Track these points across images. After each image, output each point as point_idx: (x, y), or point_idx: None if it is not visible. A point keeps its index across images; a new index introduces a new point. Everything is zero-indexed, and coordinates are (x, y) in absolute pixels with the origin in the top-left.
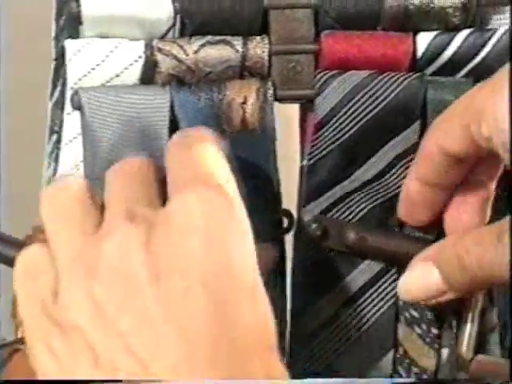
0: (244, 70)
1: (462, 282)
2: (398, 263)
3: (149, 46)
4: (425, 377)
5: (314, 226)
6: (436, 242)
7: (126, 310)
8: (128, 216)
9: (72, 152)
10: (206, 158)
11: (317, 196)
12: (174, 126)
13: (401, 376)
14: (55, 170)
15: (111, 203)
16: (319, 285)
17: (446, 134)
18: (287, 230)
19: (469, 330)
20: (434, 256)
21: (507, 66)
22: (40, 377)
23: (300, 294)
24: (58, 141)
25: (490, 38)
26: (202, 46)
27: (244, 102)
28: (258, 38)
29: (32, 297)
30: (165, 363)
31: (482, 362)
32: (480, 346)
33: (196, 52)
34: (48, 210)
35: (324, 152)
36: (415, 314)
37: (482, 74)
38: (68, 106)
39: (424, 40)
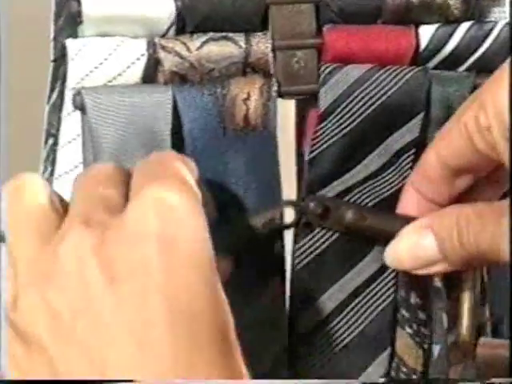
0: (247, 67)
1: (458, 254)
2: (379, 244)
3: (151, 44)
4: (414, 378)
5: (313, 204)
6: None
7: (82, 315)
8: (83, 221)
9: (70, 153)
10: (166, 162)
11: (318, 189)
12: (177, 124)
13: (390, 376)
14: (52, 173)
15: (71, 209)
16: (317, 283)
17: (442, 142)
18: (292, 225)
19: (467, 314)
20: (432, 223)
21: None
22: None
23: (298, 293)
24: (55, 144)
25: (491, 30)
26: (205, 42)
27: (247, 99)
28: (261, 33)
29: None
30: (123, 369)
31: (485, 345)
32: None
33: (199, 49)
34: (9, 212)
35: (326, 145)
36: (406, 314)
37: (484, 67)
38: (67, 107)
39: (426, 33)
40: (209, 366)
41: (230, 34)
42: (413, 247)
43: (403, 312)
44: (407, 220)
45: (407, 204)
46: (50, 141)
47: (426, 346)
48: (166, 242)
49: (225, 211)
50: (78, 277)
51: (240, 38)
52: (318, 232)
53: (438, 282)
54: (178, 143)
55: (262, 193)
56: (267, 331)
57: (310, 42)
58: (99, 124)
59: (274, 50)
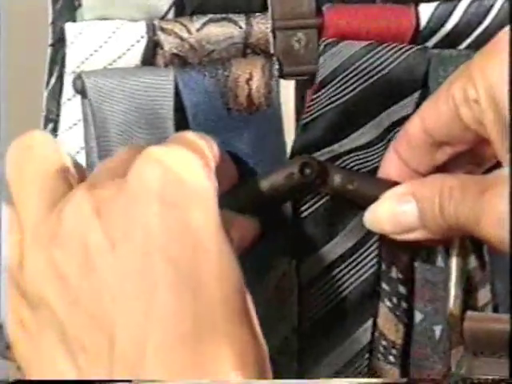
0: (247, 48)
1: (437, 224)
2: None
3: (150, 26)
4: (393, 351)
5: (304, 166)
6: None
7: (87, 278)
8: (88, 186)
9: (72, 139)
10: (179, 134)
11: (306, 154)
12: (179, 106)
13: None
14: None
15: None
16: (305, 247)
17: (429, 111)
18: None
19: (454, 284)
20: (414, 190)
21: (497, 37)
22: (14, 351)
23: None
24: (55, 129)
25: (491, 7)
26: (205, 23)
27: (250, 79)
28: (261, 14)
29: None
30: (131, 336)
31: (473, 319)
32: None
33: (199, 30)
34: (17, 171)
35: (319, 113)
36: (387, 287)
37: (485, 44)
38: (67, 92)
39: (426, 11)
40: (216, 333)
41: (230, 15)
42: (393, 212)
43: (383, 285)
44: (396, 185)
45: (388, 168)
46: (50, 126)
47: (406, 321)
48: (167, 202)
49: None
50: (80, 239)
51: (240, 18)
52: (308, 196)
53: (440, 262)
54: (182, 126)
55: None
56: (276, 311)
57: (310, 22)
58: (101, 107)
59: (274, 30)
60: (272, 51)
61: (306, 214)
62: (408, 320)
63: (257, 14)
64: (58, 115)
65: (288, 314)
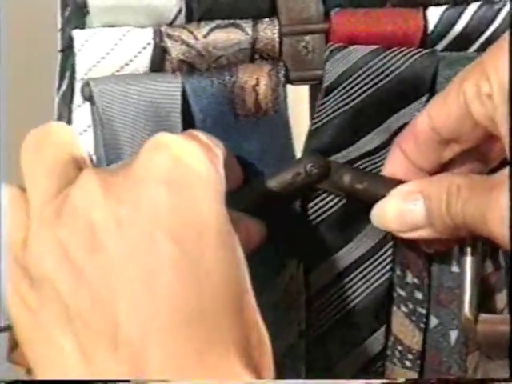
0: (255, 53)
1: (444, 222)
2: None
3: (157, 33)
4: (410, 356)
5: (310, 165)
6: None
7: (91, 257)
8: (96, 170)
9: (83, 145)
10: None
11: None
12: (186, 112)
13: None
14: None
15: None
16: (316, 253)
17: (437, 108)
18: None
19: (469, 288)
20: (422, 188)
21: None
22: (15, 332)
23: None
24: None
25: (500, 11)
26: (212, 29)
27: (257, 85)
28: (268, 20)
29: (7, 241)
30: (135, 318)
31: (486, 322)
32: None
33: (205, 36)
34: (33, 157)
35: (327, 118)
36: (402, 293)
37: None
38: (77, 99)
39: (434, 14)
40: (220, 317)
41: (237, 21)
42: (400, 210)
43: (399, 291)
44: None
45: (393, 166)
46: None
47: (422, 326)
48: (173, 185)
49: None
50: (85, 217)
51: (247, 24)
52: (320, 199)
53: (456, 267)
54: None
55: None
56: (284, 314)
57: (317, 27)
58: (109, 113)
59: (281, 35)
60: (279, 57)
61: (319, 219)
62: (424, 325)
63: (263, 19)
64: (69, 121)
65: (296, 318)
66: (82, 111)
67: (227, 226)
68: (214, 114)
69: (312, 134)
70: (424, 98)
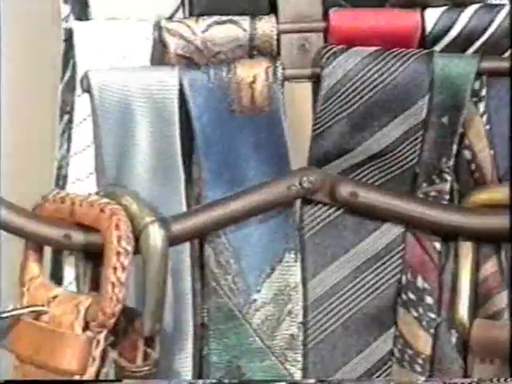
0: (253, 50)
1: None
2: (388, 220)
3: (157, 27)
4: (419, 361)
5: (305, 178)
6: None
7: None
8: None
9: (84, 133)
10: None
11: (322, 165)
12: (183, 106)
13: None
14: (68, 149)
15: None
16: (320, 258)
17: None
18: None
19: (464, 293)
20: None
21: None
22: None
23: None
24: (70, 121)
25: (497, 13)
26: (210, 25)
27: (253, 82)
28: (266, 17)
29: None
30: None
31: (480, 326)
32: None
33: (204, 31)
34: None
35: (329, 123)
36: (413, 297)
37: (491, 49)
38: (79, 88)
39: (432, 16)
40: None
41: (236, 17)
42: None
43: (410, 295)
44: (401, 198)
45: None
46: (65, 118)
47: (432, 332)
48: None
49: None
50: None
51: (245, 21)
52: (320, 208)
53: None
54: (186, 126)
55: (271, 174)
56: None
57: (316, 26)
58: (104, 106)
59: (279, 33)
60: (277, 53)
61: (320, 225)
62: (434, 330)
63: (261, 16)
64: (72, 108)
65: (293, 310)
66: (83, 100)
67: None
68: (210, 109)
69: (314, 140)
70: (424, 100)
